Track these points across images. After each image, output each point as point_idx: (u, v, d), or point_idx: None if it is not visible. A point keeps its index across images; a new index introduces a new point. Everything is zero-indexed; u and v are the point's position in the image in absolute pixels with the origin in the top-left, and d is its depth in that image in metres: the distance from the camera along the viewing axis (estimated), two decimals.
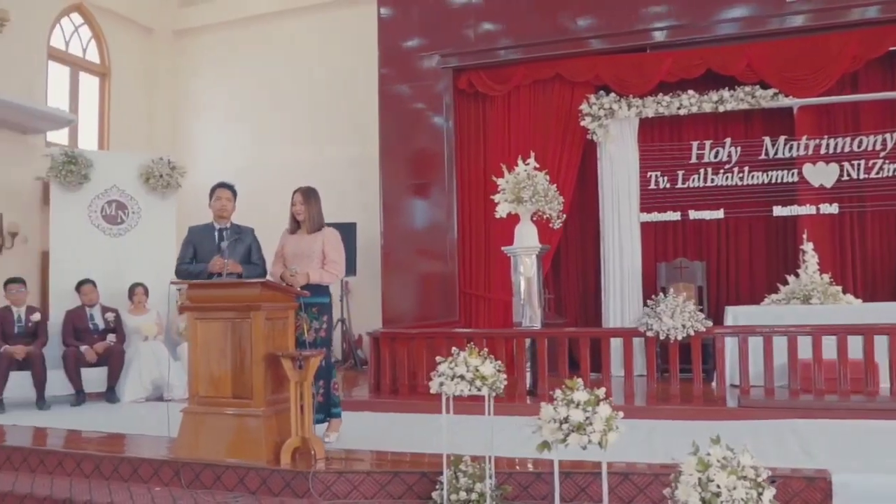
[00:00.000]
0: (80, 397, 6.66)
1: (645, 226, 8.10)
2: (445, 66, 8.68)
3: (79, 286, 7.03)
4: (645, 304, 6.20)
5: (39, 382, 6.47)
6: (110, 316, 7.06)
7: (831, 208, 7.59)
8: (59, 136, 9.29)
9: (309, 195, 4.94)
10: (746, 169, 7.89)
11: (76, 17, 9.72)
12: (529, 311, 6.22)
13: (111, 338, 6.97)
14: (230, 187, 5.11)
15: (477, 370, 3.83)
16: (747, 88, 7.75)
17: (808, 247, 7.15)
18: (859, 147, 7.59)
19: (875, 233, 7.64)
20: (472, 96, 8.83)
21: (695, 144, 8.05)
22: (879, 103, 7.57)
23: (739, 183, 7.91)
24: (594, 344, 6.04)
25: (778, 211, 7.73)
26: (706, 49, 7.85)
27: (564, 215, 6.66)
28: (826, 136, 7.67)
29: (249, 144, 10.45)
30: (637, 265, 8.03)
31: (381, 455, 4.44)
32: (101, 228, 7.52)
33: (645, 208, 8.06)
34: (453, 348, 3.95)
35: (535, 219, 6.42)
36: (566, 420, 3.11)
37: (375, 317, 9.49)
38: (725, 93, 7.80)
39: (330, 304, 4.95)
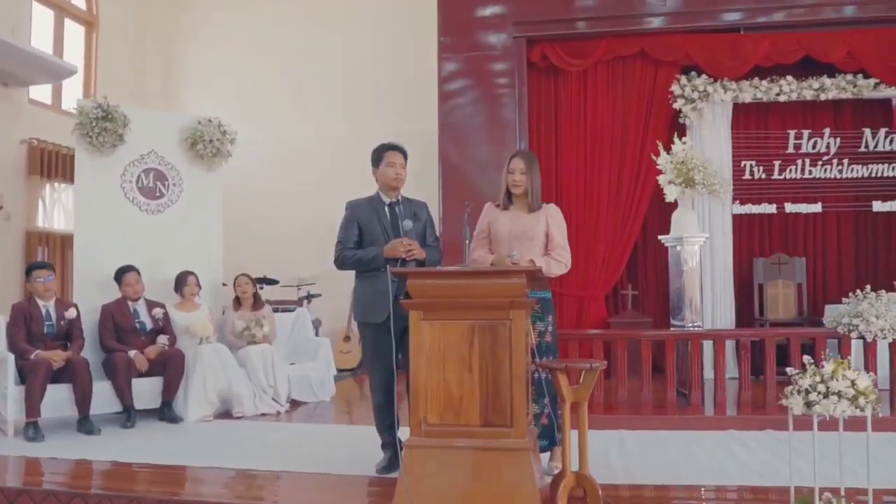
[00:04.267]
0: (131, 416, 5.24)
1: (737, 218, 7.52)
2: (518, 35, 7.77)
3: (120, 274, 5.58)
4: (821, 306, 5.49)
5: (84, 397, 5.01)
6: (159, 312, 5.65)
7: None
8: (41, 93, 7.59)
9: (531, 162, 3.91)
10: (846, 161, 7.48)
11: None
12: (691, 308, 5.43)
13: (162, 339, 5.58)
14: (403, 150, 3.99)
15: (853, 384, 3.03)
16: (849, 77, 7.34)
17: None
18: None
19: None
20: (545, 71, 7.95)
21: (792, 133, 7.54)
22: None
23: (838, 176, 7.48)
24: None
25: (878, 206, 7.37)
26: (805, 34, 7.38)
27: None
28: None
29: (257, 116, 9.05)
30: (729, 260, 7.43)
31: (682, 491, 3.52)
32: (136, 203, 6.05)
33: (738, 199, 7.47)
34: (805, 358, 3.13)
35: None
36: None
37: None
38: (826, 80, 7.35)
39: (552, 300, 3.94)
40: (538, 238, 3.86)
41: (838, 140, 7.49)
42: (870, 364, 5.05)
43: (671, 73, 7.62)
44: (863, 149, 7.48)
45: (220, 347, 5.71)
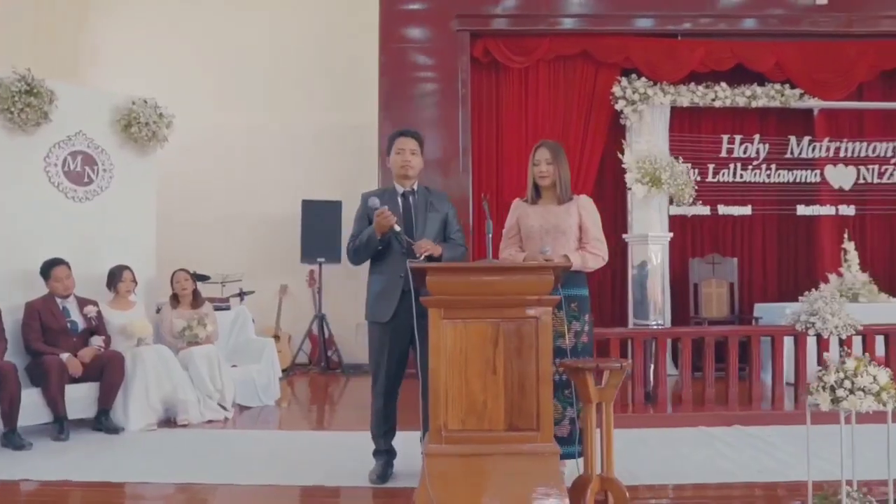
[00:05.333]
0: (64, 427, 4.67)
1: (672, 219, 7.68)
2: (462, 28, 7.63)
3: (48, 268, 4.97)
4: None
5: (11, 408, 4.40)
6: (91, 310, 5.09)
7: (849, 210, 7.77)
8: None
9: (558, 151, 3.72)
10: (773, 167, 7.83)
11: None
12: (653, 307, 5.46)
13: (96, 340, 5.02)
14: (416, 135, 3.71)
15: (875, 380, 3.08)
16: (777, 86, 7.69)
17: (849, 246, 7.20)
18: (873, 153, 7.85)
19: (885, 235, 7.94)
20: (487, 66, 7.89)
21: (725, 138, 7.82)
22: (894, 112, 7.89)
23: (766, 180, 7.83)
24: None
25: (801, 210, 7.76)
26: (737, 43, 7.71)
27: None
28: (845, 140, 7.84)
29: (173, 97, 8.39)
30: (666, 259, 7.59)
31: (699, 489, 3.47)
32: (62, 189, 5.42)
33: (674, 200, 7.65)
34: (825, 354, 3.16)
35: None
36: None
37: (352, 311, 8.15)
38: (758, 89, 7.67)
39: (589, 298, 3.79)
40: (571, 231, 3.68)
41: (767, 146, 7.84)
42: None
43: (612, 75, 7.75)
44: (788, 155, 7.86)
45: (163, 349, 5.21)
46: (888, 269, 7.81)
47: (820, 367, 3.15)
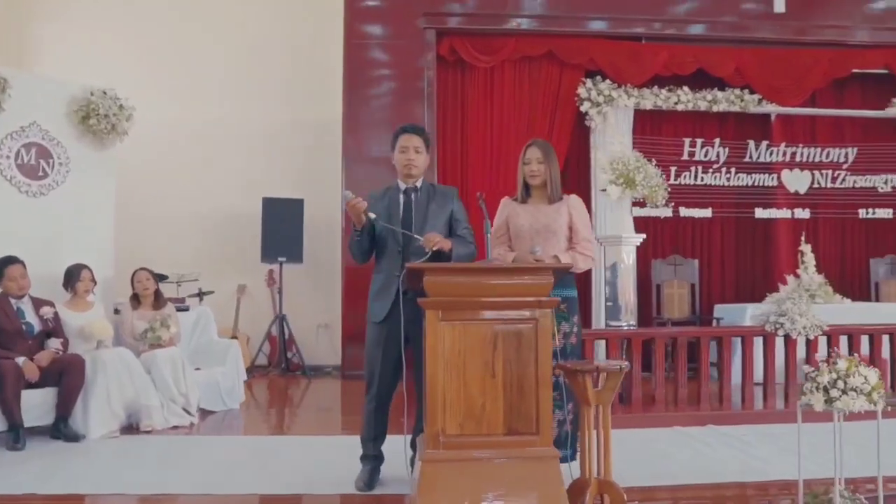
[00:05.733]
0: (20, 436, 4.40)
1: (636, 220, 7.74)
2: (428, 26, 7.55)
3: (1, 267, 4.67)
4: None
5: None
6: (48, 312, 4.81)
7: (804, 213, 7.99)
8: None
9: (549, 150, 3.70)
10: (733, 170, 8.00)
11: None
12: (625, 308, 5.49)
13: (53, 343, 4.76)
14: (421, 132, 3.59)
15: (867, 380, 3.14)
16: (737, 91, 7.85)
17: (806, 248, 7.38)
18: (827, 158, 8.09)
19: (837, 238, 8.18)
20: (452, 65, 7.83)
21: (686, 141, 7.95)
22: (847, 119, 8.13)
23: (726, 183, 7.99)
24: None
25: (759, 213, 7.94)
26: (699, 48, 7.85)
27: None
28: (801, 145, 8.06)
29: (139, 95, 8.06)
30: (631, 261, 7.65)
31: (697, 490, 3.49)
32: (15, 183, 5.13)
33: (637, 202, 7.72)
34: (817, 355, 3.21)
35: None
36: None
37: (313, 312, 8.02)
38: (718, 93, 7.82)
39: (578, 298, 3.74)
40: (561, 231, 3.66)
41: (727, 150, 8.00)
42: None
43: (576, 76, 7.80)
44: (747, 159, 8.04)
45: (125, 352, 4.97)
46: (839, 271, 8.05)
47: (812, 368, 3.18)
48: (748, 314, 6.54)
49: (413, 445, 3.50)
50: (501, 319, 3.05)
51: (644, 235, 5.76)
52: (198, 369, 5.64)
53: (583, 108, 7.66)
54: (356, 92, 7.49)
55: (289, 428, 5.58)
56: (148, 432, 4.86)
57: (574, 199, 3.73)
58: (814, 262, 7.35)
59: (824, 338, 5.36)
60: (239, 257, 7.99)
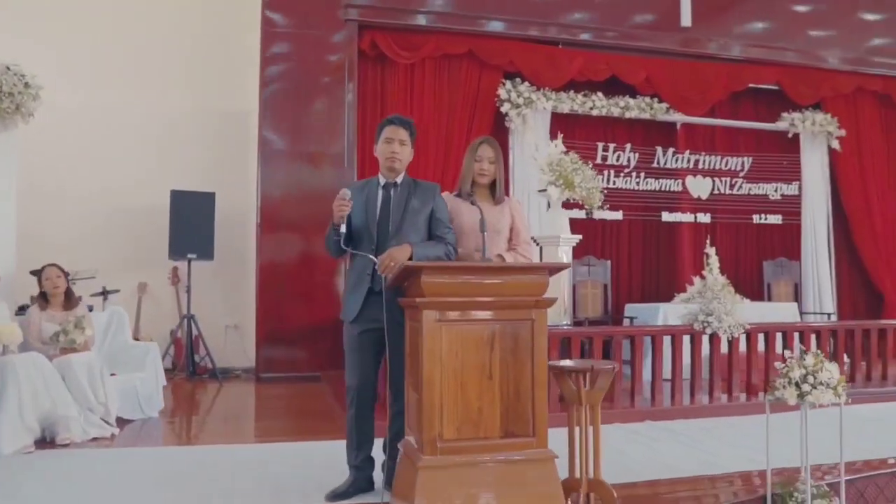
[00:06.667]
0: None
1: None
2: (349, 18, 7.35)
3: None
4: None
5: None
6: None
7: (705, 217, 8.45)
8: None
9: (499, 151, 3.62)
10: (642, 175, 8.32)
11: None
12: (562, 308, 5.56)
13: None
14: (407, 125, 3.39)
15: (832, 375, 3.34)
16: (647, 99, 8.18)
17: (711, 251, 7.77)
18: (726, 166, 8.58)
19: (732, 242, 8.69)
20: (373, 59, 7.66)
21: (600, 146, 8.19)
22: (742, 130, 8.66)
23: (636, 187, 8.30)
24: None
25: (666, 216, 8.31)
26: (612, 56, 8.12)
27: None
28: (703, 153, 8.51)
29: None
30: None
31: (676, 484, 3.54)
32: None
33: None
34: (785, 352, 3.38)
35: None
36: None
37: (223, 312, 7.62)
38: (630, 100, 8.12)
39: None
40: (504, 232, 3.61)
41: (636, 155, 8.31)
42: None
43: (496, 78, 7.87)
44: (655, 164, 8.39)
45: (39, 358, 4.46)
46: (734, 273, 8.55)
47: (783, 364, 3.33)
48: (661, 313, 6.81)
49: (387, 450, 3.34)
50: (499, 320, 2.99)
51: (581, 236, 5.85)
52: (113, 375, 5.17)
53: (503, 109, 7.73)
54: (272, 83, 7.19)
55: (213, 436, 5.22)
56: (66, 446, 4.39)
57: (515, 201, 3.74)
58: (718, 264, 7.75)
59: (744, 336, 5.67)
60: (141, 253, 7.45)
